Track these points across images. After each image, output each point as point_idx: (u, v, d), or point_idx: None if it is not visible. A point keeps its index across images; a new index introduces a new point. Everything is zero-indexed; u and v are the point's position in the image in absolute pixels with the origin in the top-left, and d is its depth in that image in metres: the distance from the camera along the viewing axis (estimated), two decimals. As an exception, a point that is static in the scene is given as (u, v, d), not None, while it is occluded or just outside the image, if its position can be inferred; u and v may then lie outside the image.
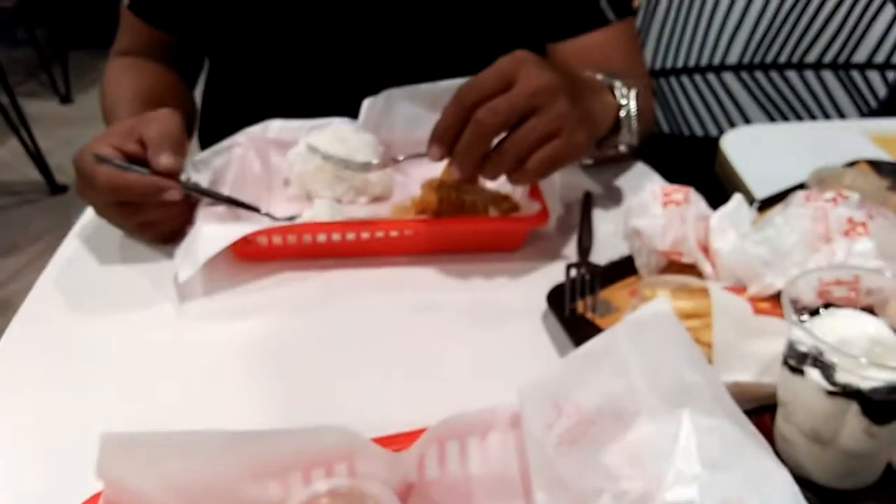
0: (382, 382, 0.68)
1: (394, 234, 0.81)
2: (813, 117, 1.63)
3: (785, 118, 1.66)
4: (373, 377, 0.68)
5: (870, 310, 0.57)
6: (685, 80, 1.67)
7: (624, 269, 0.79)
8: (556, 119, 0.74)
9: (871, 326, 0.54)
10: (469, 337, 0.73)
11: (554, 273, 0.80)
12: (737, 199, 0.76)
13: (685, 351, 0.52)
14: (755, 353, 0.61)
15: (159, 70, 1.10)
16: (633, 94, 0.90)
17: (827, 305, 0.58)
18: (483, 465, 0.54)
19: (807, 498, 0.54)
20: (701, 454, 0.49)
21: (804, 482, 0.56)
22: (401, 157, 0.84)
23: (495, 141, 0.74)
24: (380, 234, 0.80)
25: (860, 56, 1.60)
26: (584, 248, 0.85)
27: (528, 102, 0.73)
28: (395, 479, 0.52)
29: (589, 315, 0.73)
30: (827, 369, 0.52)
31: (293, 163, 0.90)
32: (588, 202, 0.94)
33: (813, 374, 0.53)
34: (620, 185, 1.00)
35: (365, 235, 0.80)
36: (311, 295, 0.77)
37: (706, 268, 0.74)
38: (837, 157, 0.99)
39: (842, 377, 0.51)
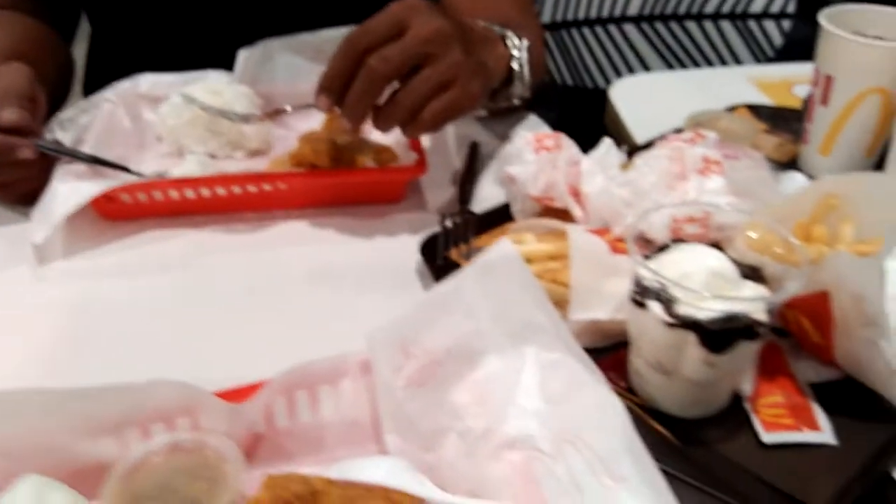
0: (245, 339, 0.67)
1: (266, 188, 0.79)
2: (713, 67, 1.66)
3: (685, 68, 1.69)
4: (235, 334, 0.67)
5: (718, 245, 0.59)
6: (587, 32, 1.67)
7: (501, 216, 0.79)
8: (450, 68, 0.71)
9: (712, 260, 0.55)
10: (341, 291, 0.72)
11: (435, 224, 0.79)
12: (606, 143, 0.76)
13: (530, 291, 0.52)
14: (610, 291, 0.62)
15: (29, 23, 1.04)
16: (524, 45, 0.90)
17: (677, 241, 0.59)
18: (335, 412, 0.54)
19: (656, 427, 0.56)
20: (542, 389, 0.50)
21: (655, 413, 0.58)
22: (288, 108, 0.82)
23: (387, 91, 0.73)
24: (251, 188, 0.79)
25: (757, 6, 1.63)
26: (464, 197, 0.85)
27: (421, 50, 0.70)
28: (238, 431, 0.51)
29: (463, 263, 0.73)
30: (667, 302, 0.53)
31: (165, 116, 0.87)
32: (474, 153, 0.93)
33: (654, 307, 0.54)
34: (512, 136, 1.00)
35: (236, 190, 0.78)
36: (176, 253, 0.75)
37: (576, 211, 0.74)
38: (721, 102, 1.01)
39: (680, 309, 0.53)
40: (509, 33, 0.89)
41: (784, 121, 0.96)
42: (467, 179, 0.88)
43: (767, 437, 0.56)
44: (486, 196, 0.85)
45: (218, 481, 0.48)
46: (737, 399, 0.59)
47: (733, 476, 0.53)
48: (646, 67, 1.69)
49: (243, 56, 0.92)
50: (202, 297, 0.71)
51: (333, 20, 0.88)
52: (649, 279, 0.54)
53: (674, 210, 0.61)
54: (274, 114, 0.82)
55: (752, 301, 0.52)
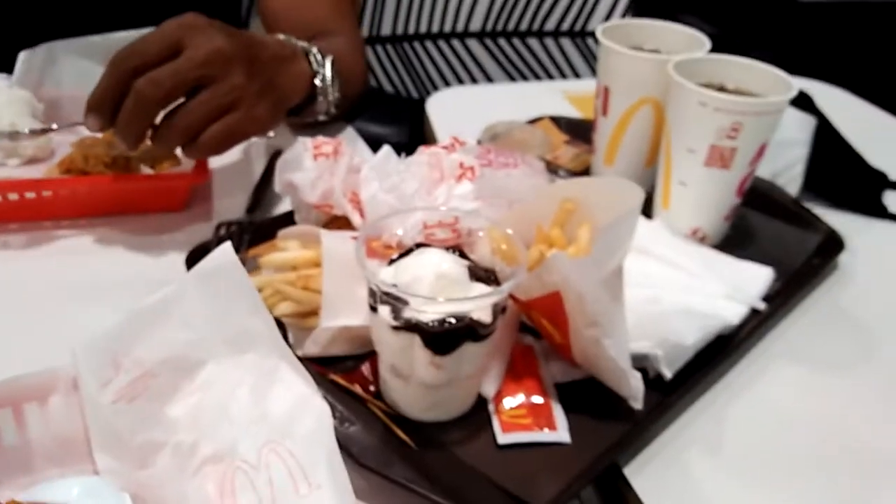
0: None
1: (29, 195, 0.74)
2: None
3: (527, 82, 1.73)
4: None
5: (463, 250, 0.59)
6: (430, 45, 1.69)
7: (284, 224, 0.77)
8: (231, 91, 0.69)
9: (443, 263, 0.55)
10: (97, 305, 0.69)
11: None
12: (385, 150, 0.76)
13: (247, 297, 0.51)
14: (364, 297, 0.61)
15: None
16: (328, 61, 0.89)
17: (421, 246, 0.59)
18: (45, 431, 0.51)
19: (398, 433, 0.56)
20: (255, 398, 0.49)
21: (400, 419, 0.57)
22: (55, 126, 0.78)
23: (162, 113, 0.69)
24: (12, 196, 0.74)
25: (594, 24, 1.69)
26: (252, 206, 0.83)
27: (196, 73, 0.67)
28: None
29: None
30: (395, 306, 0.53)
31: (-72, 123, 0.81)
32: (275, 161, 0.92)
33: (383, 311, 0.53)
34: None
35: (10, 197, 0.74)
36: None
37: (355, 218, 0.73)
38: (531, 114, 1.03)
39: (405, 313, 0.53)
40: (314, 49, 0.88)
41: (584, 132, 0.99)
42: (260, 187, 0.86)
43: (503, 437, 0.56)
44: (286, 208, 0.83)
45: None
46: (482, 402, 0.59)
47: (466, 480, 0.53)
48: (490, 81, 1.73)
49: (23, 57, 0.87)
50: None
51: (126, 22, 0.85)
52: (382, 283, 0.54)
53: (424, 215, 0.61)
54: (40, 133, 0.78)
55: (469, 301, 0.53)
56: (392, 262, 0.57)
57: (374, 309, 0.55)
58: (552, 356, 0.63)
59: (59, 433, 0.51)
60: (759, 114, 0.72)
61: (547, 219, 0.63)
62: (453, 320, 0.52)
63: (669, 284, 0.69)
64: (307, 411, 0.47)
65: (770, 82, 0.76)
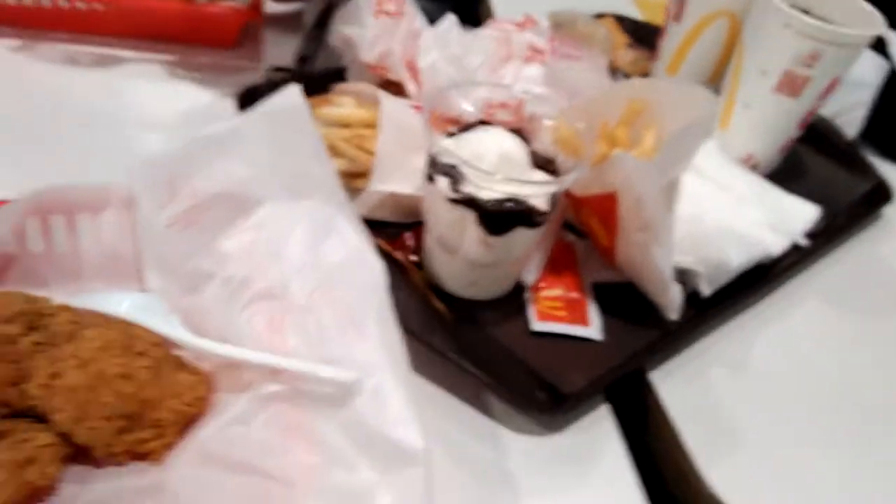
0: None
1: (80, 6, 0.72)
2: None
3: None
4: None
5: (524, 133, 0.58)
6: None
7: (336, 79, 0.75)
8: None
9: (507, 144, 0.54)
10: (132, 129, 0.68)
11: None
12: (449, 18, 0.73)
13: (311, 143, 0.50)
14: (416, 166, 0.61)
15: None
16: None
17: (484, 123, 0.58)
18: (95, 242, 0.51)
19: (435, 303, 0.56)
20: (308, 244, 0.49)
21: (440, 291, 0.58)
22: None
23: None
24: (63, 3, 0.71)
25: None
26: (303, 55, 0.80)
27: None
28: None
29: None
30: (455, 179, 0.52)
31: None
32: (330, 9, 0.88)
33: (441, 183, 0.53)
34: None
35: (46, 3, 0.71)
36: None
37: (410, 86, 0.72)
38: (596, 9, 0.99)
39: (465, 187, 0.52)
40: None
41: (646, 37, 0.95)
42: (314, 37, 0.83)
43: (537, 325, 0.57)
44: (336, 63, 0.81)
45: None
46: (519, 288, 0.60)
47: (498, 359, 0.54)
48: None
49: None
50: None
51: None
52: (443, 155, 0.53)
53: (488, 92, 0.60)
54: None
55: (532, 186, 0.52)
56: (451, 135, 0.56)
57: (430, 178, 0.54)
58: (592, 256, 0.63)
59: (108, 247, 0.51)
60: (841, 45, 0.69)
61: (612, 117, 0.61)
62: (511, 202, 0.52)
63: (717, 205, 0.68)
64: (361, 264, 0.47)
65: (856, 16, 0.73)
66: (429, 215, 0.56)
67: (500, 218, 0.52)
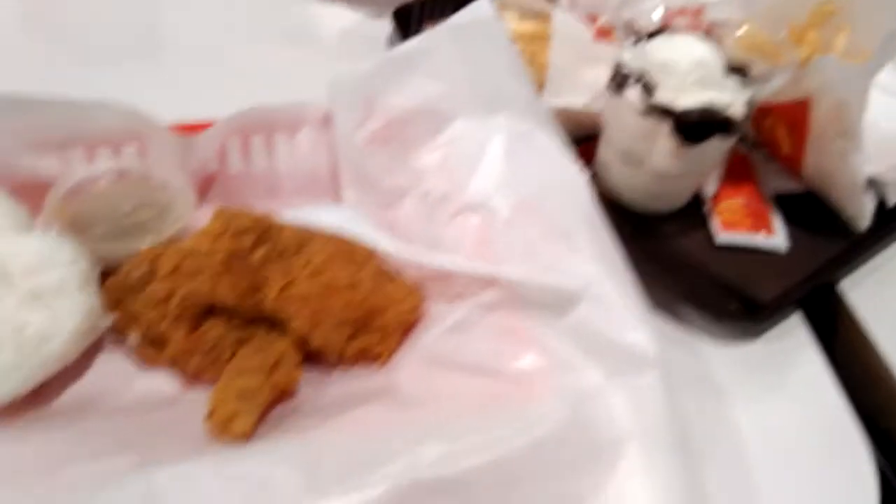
0: (187, 72, 0.63)
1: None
2: None
3: None
4: (174, 65, 0.64)
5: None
6: None
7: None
8: None
9: (699, 50, 0.52)
10: (303, 47, 0.68)
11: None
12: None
13: (506, 57, 0.50)
14: (588, 79, 0.60)
15: None
16: None
17: (665, 30, 0.56)
18: (291, 160, 0.52)
19: (617, 218, 0.56)
20: (506, 159, 0.49)
21: (617, 206, 0.57)
22: None
23: None
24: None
25: None
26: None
27: None
28: (189, 166, 0.49)
29: (438, 40, 0.69)
30: (646, 88, 0.51)
31: None
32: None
33: (632, 93, 0.52)
34: None
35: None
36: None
37: (564, -1, 0.70)
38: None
39: (658, 96, 0.51)
40: None
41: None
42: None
43: (723, 236, 0.56)
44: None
45: (166, 211, 0.46)
46: (697, 201, 0.59)
47: (683, 269, 0.54)
48: None
49: None
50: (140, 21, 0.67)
51: None
52: (630, 64, 0.51)
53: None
54: None
55: (732, 93, 0.50)
56: (636, 43, 0.55)
57: (617, 89, 0.53)
58: (768, 167, 0.61)
59: (304, 166, 0.52)
60: None
61: (797, 20, 0.58)
62: (708, 111, 0.50)
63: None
64: (564, 177, 0.47)
65: None
66: (611, 128, 0.55)
67: (697, 127, 0.51)
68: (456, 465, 0.34)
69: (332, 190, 0.52)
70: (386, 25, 0.70)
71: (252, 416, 0.37)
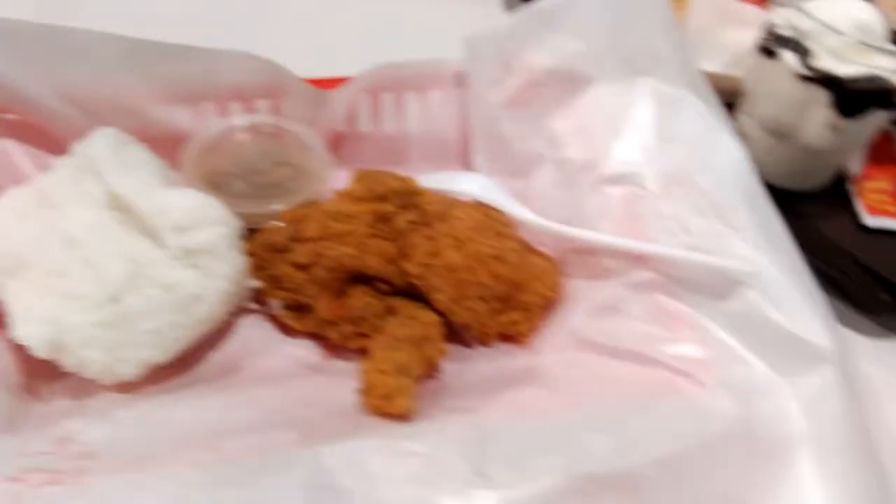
0: (328, 34, 0.61)
1: None
2: None
3: None
4: (319, 26, 0.62)
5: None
6: None
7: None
8: None
9: (861, 13, 0.48)
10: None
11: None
12: None
13: (658, 14, 0.46)
14: (729, 42, 0.56)
15: None
16: None
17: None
18: (421, 122, 0.50)
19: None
20: (654, 125, 0.45)
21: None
22: None
23: None
24: None
25: None
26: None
27: None
28: (321, 123, 0.47)
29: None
30: (804, 53, 0.47)
31: None
32: None
33: (788, 57, 0.48)
34: None
35: None
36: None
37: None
38: None
39: (818, 62, 0.47)
40: None
41: None
42: None
43: (871, 220, 0.52)
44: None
45: (302, 170, 0.44)
46: (839, 180, 0.55)
47: (827, 254, 0.51)
48: None
49: None
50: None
51: None
52: (785, 26, 0.48)
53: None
54: None
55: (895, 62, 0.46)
56: (791, 2, 0.51)
57: (769, 53, 0.49)
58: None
59: (434, 128, 0.50)
60: None
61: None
62: (873, 80, 0.46)
63: None
64: (719, 148, 0.44)
65: None
66: (757, 95, 0.52)
67: (858, 97, 0.47)
68: (627, 459, 0.32)
69: (460, 156, 0.50)
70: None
71: (411, 392, 0.35)
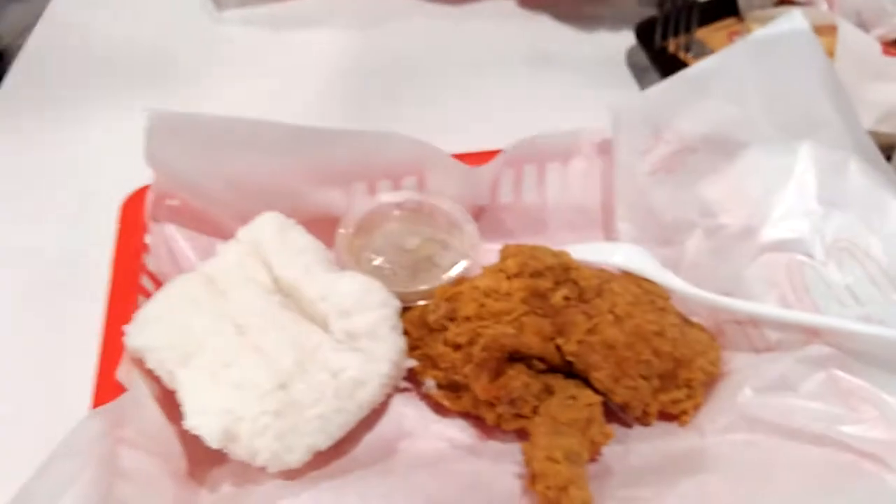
0: (459, 102, 0.62)
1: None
2: None
3: None
4: (449, 95, 0.63)
5: None
6: None
7: (724, 8, 0.69)
8: None
9: None
10: (550, 67, 0.66)
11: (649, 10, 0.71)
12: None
13: (818, 74, 0.44)
14: (876, 97, 0.53)
15: None
16: None
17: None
18: (562, 192, 0.49)
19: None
20: (816, 190, 0.43)
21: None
22: None
23: None
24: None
25: None
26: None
27: None
28: (465, 198, 0.47)
29: (682, 55, 0.65)
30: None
31: None
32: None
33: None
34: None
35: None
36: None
37: (822, 5, 0.64)
38: None
39: None
40: None
41: None
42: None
43: None
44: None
45: (449, 246, 0.45)
46: None
47: None
48: None
49: None
50: (413, 55, 0.67)
51: None
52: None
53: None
54: None
55: None
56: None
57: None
58: None
59: (575, 197, 0.49)
60: None
61: None
62: None
63: None
64: (888, 211, 0.42)
65: None
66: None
67: None
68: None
69: (602, 225, 0.49)
70: (624, 41, 0.67)
71: (585, 482, 0.34)
